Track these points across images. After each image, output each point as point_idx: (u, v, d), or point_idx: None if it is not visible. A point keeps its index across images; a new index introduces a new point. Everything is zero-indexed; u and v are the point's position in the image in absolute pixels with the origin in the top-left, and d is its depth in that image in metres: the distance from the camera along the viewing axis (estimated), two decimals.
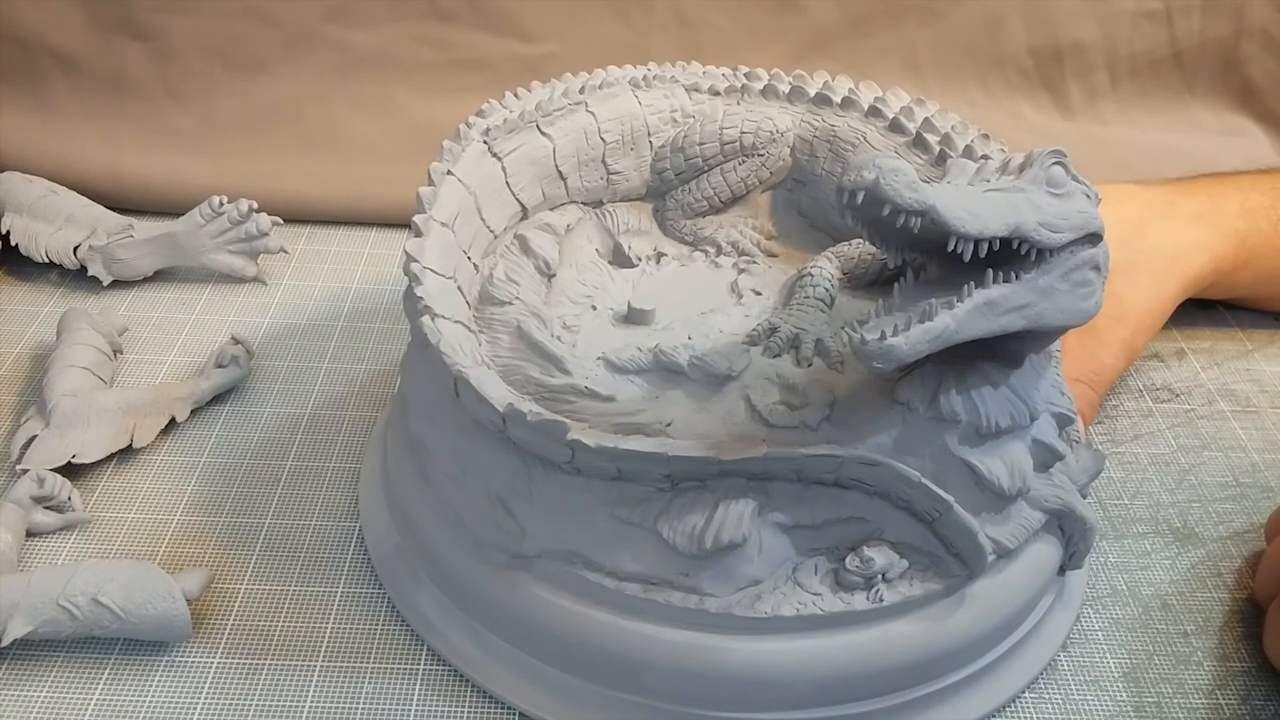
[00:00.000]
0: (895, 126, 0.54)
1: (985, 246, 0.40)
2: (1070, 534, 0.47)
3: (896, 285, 0.42)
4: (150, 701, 0.45)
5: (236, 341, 0.62)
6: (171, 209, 0.74)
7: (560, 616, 0.44)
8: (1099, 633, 0.50)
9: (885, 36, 0.86)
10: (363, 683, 0.47)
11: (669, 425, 0.44)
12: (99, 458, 0.55)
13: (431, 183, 0.51)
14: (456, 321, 0.47)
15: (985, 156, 0.49)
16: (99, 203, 0.73)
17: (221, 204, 0.69)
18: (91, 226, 0.70)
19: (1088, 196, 0.43)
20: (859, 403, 0.44)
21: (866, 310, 0.41)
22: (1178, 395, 0.65)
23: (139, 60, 0.81)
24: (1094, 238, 0.43)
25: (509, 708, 0.46)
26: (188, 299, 0.70)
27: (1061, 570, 0.49)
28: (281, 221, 0.71)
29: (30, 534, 0.52)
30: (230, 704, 0.45)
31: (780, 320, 0.49)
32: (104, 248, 0.69)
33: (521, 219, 0.56)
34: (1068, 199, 0.42)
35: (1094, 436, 0.61)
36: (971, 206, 0.40)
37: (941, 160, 0.52)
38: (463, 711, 0.46)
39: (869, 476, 0.43)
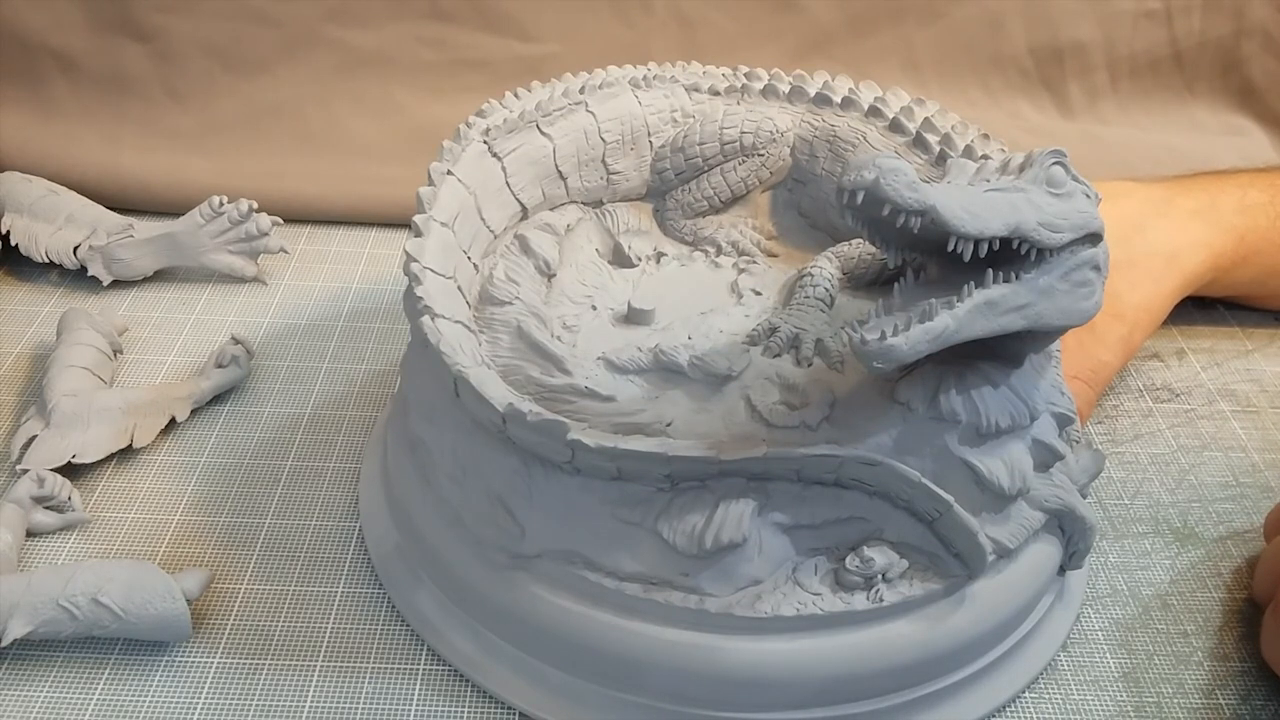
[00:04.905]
0: (895, 126, 0.54)
1: (985, 246, 0.40)
2: (1070, 534, 0.47)
3: (896, 285, 0.42)
4: (150, 701, 0.45)
5: (236, 341, 0.62)
6: (171, 209, 0.74)
7: (560, 616, 0.44)
8: (1099, 633, 0.50)
9: (885, 36, 0.86)
10: (363, 683, 0.47)
11: (669, 425, 0.45)
12: (99, 458, 0.55)
13: (431, 183, 0.51)
14: (456, 321, 0.47)
15: (985, 156, 0.49)
16: (99, 203, 0.73)
17: (221, 204, 0.69)
18: (91, 226, 0.70)
19: (1088, 196, 0.43)
20: (859, 403, 0.44)
21: (866, 310, 0.41)
22: (1178, 395, 0.65)
23: (139, 60, 0.81)
24: (1094, 238, 0.43)
25: (509, 708, 0.46)
26: (188, 299, 0.70)
27: (1061, 570, 0.49)
28: (281, 221, 0.71)
29: (30, 534, 0.52)
30: (230, 704, 0.46)
31: (780, 320, 0.49)
32: (104, 248, 0.69)
33: (521, 219, 0.56)
34: (1068, 199, 0.42)
35: (1094, 436, 0.61)
36: (971, 206, 0.40)
37: (941, 160, 0.52)
38: (463, 711, 0.46)
39: (869, 476, 0.43)
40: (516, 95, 0.57)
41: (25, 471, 0.53)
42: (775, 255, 0.56)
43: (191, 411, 0.59)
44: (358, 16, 0.83)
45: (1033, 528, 0.45)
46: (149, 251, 0.70)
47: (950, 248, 0.40)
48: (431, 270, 0.48)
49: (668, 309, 0.51)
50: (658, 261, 0.56)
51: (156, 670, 0.47)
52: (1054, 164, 0.42)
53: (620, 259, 0.56)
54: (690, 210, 0.58)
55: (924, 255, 0.43)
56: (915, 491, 0.43)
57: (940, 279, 0.42)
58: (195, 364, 0.64)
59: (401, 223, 0.60)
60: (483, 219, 0.53)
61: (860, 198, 0.38)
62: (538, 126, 0.56)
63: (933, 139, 0.53)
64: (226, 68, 0.82)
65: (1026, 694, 0.47)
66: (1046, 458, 0.46)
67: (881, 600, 0.43)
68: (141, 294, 0.70)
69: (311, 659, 0.47)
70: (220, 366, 0.61)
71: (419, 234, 0.49)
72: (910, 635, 0.43)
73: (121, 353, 0.63)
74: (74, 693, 0.46)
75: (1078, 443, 0.49)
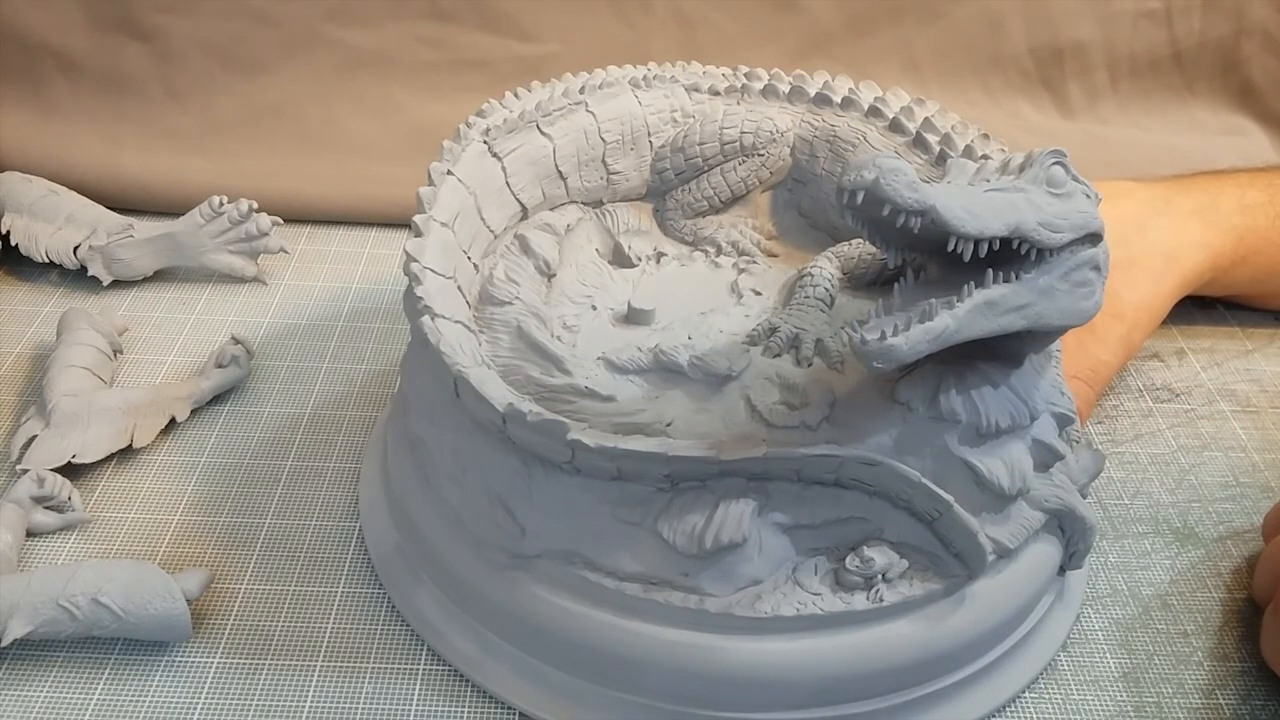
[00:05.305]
0: (895, 126, 0.54)
1: (985, 246, 0.40)
2: (1070, 534, 0.47)
3: (896, 285, 0.42)
4: (150, 701, 0.45)
5: (236, 341, 0.62)
6: (171, 209, 0.74)
7: (560, 616, 0.44)
8: (1099, 633, 0.50)
9: (885, 36, 0.86)
10: (363, 683, 0.47)
11: (669, 425, 0.45)
12: (99, 458, 0.55)
13: (431, 183, 0.51)
14: (456, 321, 0.47)
15: (985, 156, 0.49)
16: (99, 203, 0.73)
17: (221, 204, 0.69)
18: (91, 226, 0.70)
19: (1088, 196, 0.43)
20: (859, 403, 0.44)
21: (866, 310, 0.41)
22: (1178, 395, 0.65)
23: (139, 60, 0.81)
24: (1094, 238, 0.43)
25: (509, 708, 0.46)
26: (188, 299, 0.70)
27: (1061, 570, 0.49)
28: (281, 221, 0.71)
29: (30, 534, 0.52)
30: (230, 704, 0.46)
31: (780, 320, 0.49)
32: (104, 248, 0.69)
33: (521, 219, 0.56)
34: (1068, 199, 0.42)
35: (1094, 436, 0.61)
36: (971, 206, 0.40)
37: (941, 160, 0.52)
38: (463, 711, 0.46)
39: (869, 476, 0.43)
40: (516, 95, 0.57)
41: (25, 471, 0.53)
42: (775, 255, 0.56)
43: (191, 411, 0.59)
44: (358, 16, 0.83)
45: (1033, 528, 0.45)
46: (149, 251, 0.70)
47: (950, 248, 0.40)
48: (431, 270, 0.48)
49: (668, 309, 0.51)
50: (658, 261, 0.56)
51: (156, 670, 0.47)
52: (1054, 164, 0.42)
53: (620, 259, 0.56)
54: (690, 210, 0.58)
55: (924, 255, 0.43)
56: (915, 491, 0.43)
57: (940, 279, 0.42)
58: (195, 364, 0.64)
59: (401, 223, 0.60)
60: (483, 219, 0.53)
61: (860, 198, 0.38)
62: (538, 126, 0.56)
63: (933, 139, 0.53)
64: (226, 68, 0.82)
65: (1026, 694, 0.47)
66: (1046, 458, 0.46)
67: (881, 600, 0.43)
68: (141, 294, 0.70)
69: (311, 659, 0.47)
70: (220, 366, 0.61)
71: (419, 234, 0.49)
72: (910, 635, 0.43)
73: (121, 353, 0.63)
74: (74, 693, 0.46)
75: (1078, 443, 0.49)
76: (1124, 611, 0.51)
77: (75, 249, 0.69)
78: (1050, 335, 0.44)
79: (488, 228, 0.54)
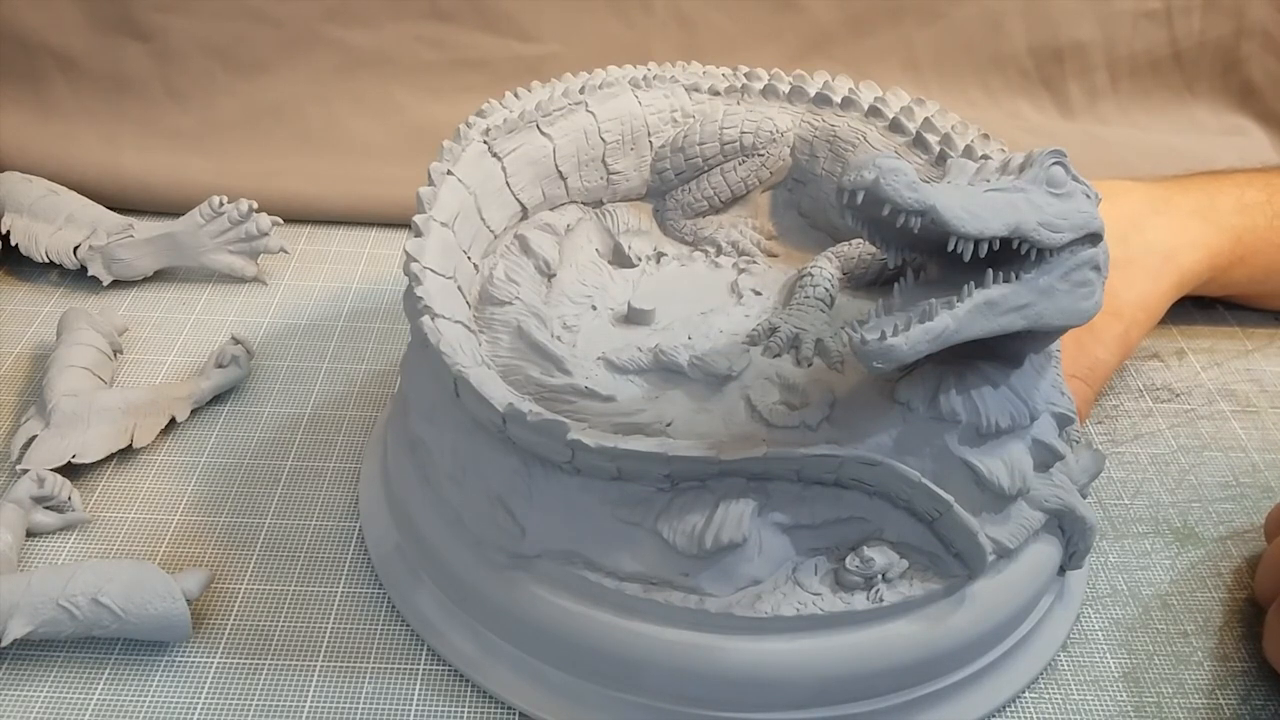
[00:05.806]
0: (895, 126, 0.54)
1: (985, 246, 0.40)
2: (1070, 534, 0.47)
3: (896, 285, 0.42)
4: (150, 701, 0.45)
5: (236, 341, 0.62)
6: (171, 209, 0.74)
7: (560, 616, 0.44)
8: (1099, 633, 0.50)
9: (885, 36, 0.86)
10: (363, 683, 0.47)
11: (669, 425, 0.45)
12: (99, 458, 0.55)
13: (431, 183, 0.51)
14: (456, 321, 0.47)
15: (985, 156, 0.49)
16: (99, 203, 0.73)
17: (221, 204, 0.69)
18: (91, 226, 0.70)
19: (1088, 196, 0.43)
20: (859, 403, 0.44)
21: (866, 310, 0.41)
22: (1178, 395, 0.65)
23: (139, 60, 0.81)
24: (1094, 238, 0.43)
25: (509, 708, 0.46)
26: (188, 299, 0.70)
27: (1061, 570, 0.49)
28: (281, 221, 0.71)
29: (30, 534, 0.52)
30: (230, 704, 0.46)
31: (780, 320, 0.49)
32: (104, 248, 0.69)
33: (521, 219, 0.56)
34: (1068, 199, 0.42)
35: (1094, 436, 0.61)
36: (971, 206, 0.40)
37: (941, 160, 0.52)
38: (463, 711, 0.46)
39: (869, 476, 0.43)
40: (516, 95, 0.57)
41: (25, 471, 0.53)
42: (775, 255, 0.56)
43: (191, 411, 0.59)
44: (358, 16, 0.83)
45: (1033, 528, 0.45)
46: (149, 251, 0.70)
47: (950, 248, 0.40)
48: (431, 270, 0.48)
49: (668, 309, 0.51)
50: (658, 261, 0.56)
51: (156, 670, 0.47)
52: (1054, 164, 0.42)
53: (620, 259, 0.56)
54: (690, 210, 0.58)
55: (924, 255, 0.43)
56: (915, 491, 0.43)
57: (940, 279, 0.42)
58: (195, 364, 0.64)
59: (401, 223, 0.60)
60: (483, 219, 0.53)
61: (860, 198, 0.38)
62: (538, 126, 0.56)
63: (933, 139, 0.53)
64: (226, 68, 0.82)
65: (1026, 694, 0.47)
66: (1046, 458, 0.46)
67: (881, 600, 0.43)
68: (141, 294, 0.70)
69: (311, 659, 0.47)
70: (220, 366, 0.61)
71: (419, 234, 0.49)
72: (910, 635, 0.43)
73: (121, 353, 0.63)
74: (74, 693, 0.46)
75: (1078, 443, 0.49)
76: (1124, 611, 0.51)
77: (75, 249, 0.69)
78: (1050, 335, 0.44)
79: (488, 228, 0.54)
